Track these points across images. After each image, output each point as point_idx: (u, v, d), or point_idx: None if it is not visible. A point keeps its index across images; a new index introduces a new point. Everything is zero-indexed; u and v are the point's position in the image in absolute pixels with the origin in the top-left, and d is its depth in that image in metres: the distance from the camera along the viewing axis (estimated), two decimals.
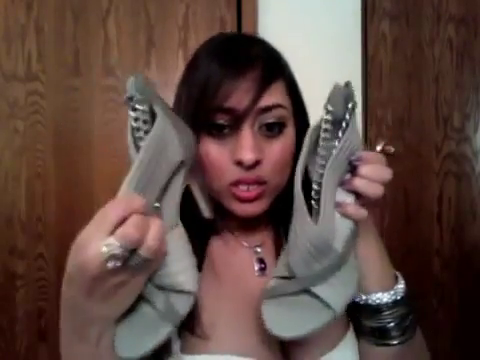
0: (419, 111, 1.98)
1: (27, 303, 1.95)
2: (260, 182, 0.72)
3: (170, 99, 2.09)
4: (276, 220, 0.82)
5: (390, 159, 1.97)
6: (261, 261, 0.78)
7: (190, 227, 0.68)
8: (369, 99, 1.97)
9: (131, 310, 0.64)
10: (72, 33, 1.95)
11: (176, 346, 0.70)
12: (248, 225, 0.80)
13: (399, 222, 1.99)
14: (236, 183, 0.72)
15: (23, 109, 1.94)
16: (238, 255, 0.79)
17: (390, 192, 1.98)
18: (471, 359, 1.99)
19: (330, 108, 0.69)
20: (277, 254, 0.76)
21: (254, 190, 0.72)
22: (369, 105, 1.97)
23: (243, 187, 0.71)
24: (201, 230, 0.76)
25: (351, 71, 1.97)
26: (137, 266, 0.57)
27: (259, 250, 0.80)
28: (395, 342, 0.73)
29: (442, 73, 1.97)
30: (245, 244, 0.80)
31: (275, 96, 0.73)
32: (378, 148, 1.96)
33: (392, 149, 1.96)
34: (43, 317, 1.96)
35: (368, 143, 1.98)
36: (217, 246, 0.80)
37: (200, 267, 0.74)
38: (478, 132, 1.99)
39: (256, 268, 0.77)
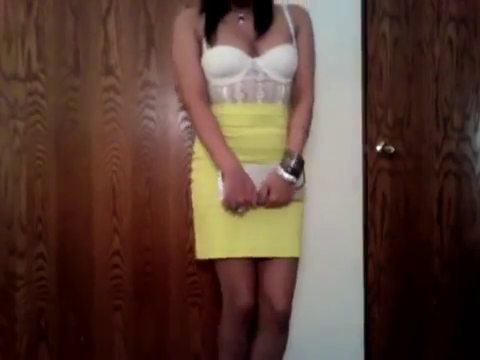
0: (419, 111, 1.98)
1: (27, 303, 1.95)
2: None
3: (170, 100, 2.10)
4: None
5: (390, 159, 1.98)
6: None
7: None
8: (369, 99, 1.97)
9: None
10: (72, 33, 1.95)
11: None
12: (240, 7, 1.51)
13: (399, 222, 1.99)
14: None
15: (23, 109, 1.94)
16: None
17: (390, 192, 1.98)
18: (471, 359, 1.99)
19: None
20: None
21: None
22: (369, 105, 1.97)
23: None
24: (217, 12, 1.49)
25: (351, 71, 1.97)
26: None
27: (242, 15, 1.51)
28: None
29: (442, 73, 1.97)
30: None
31: None
32: (378, 148, 1.96)
33: (392, 149, 1.96)
34: (43, 317, 1.96)
35: (368, 143, 1.98)
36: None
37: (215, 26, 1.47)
38: (478, 132, 1.99)
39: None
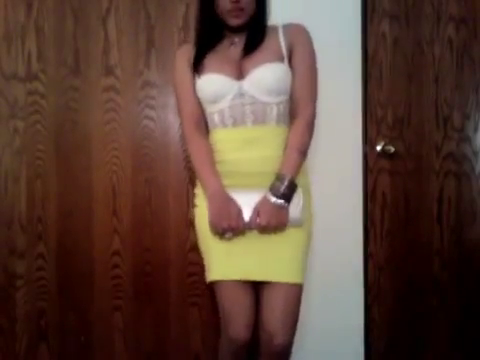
0: (419, 111, 1.98)
1: (27, 303, 1.96)
2: (241, 8, 1.42)
3: (170, 100, 2.10)
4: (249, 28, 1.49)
5: (390, 159, 1.97)
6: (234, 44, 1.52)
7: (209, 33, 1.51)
8: (369, 99, 1.97)
9: None
10: (72, 33, 1.95)
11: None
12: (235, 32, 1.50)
13: (399, 222, 1.99)
14: (231, 10, 1.42)
15: (23, 109, 1.94)
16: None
17: (390, 192, 1.98)
18: (471, 359, 1.99)
19: None
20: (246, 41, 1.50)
21: (239, 12, 1.43)
22: (369, 105, 1.97)
23: (235, 12, 1.42)
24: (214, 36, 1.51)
25: (351, 71, 1.97)
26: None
27: (236, 39, 1.51)
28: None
29: (442, 73, 1.97)
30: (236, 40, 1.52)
31: None
32: (378, 148, 1.96)
33: (392, 149, 1.96)
34: (43, 317, 1.96)
35: (368, 143, 1.98)
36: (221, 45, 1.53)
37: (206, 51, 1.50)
38: (478, 132, 1.99)
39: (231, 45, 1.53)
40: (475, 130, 1.98)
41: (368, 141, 1.98)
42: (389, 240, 1.98)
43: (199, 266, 1.94)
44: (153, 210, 1.96)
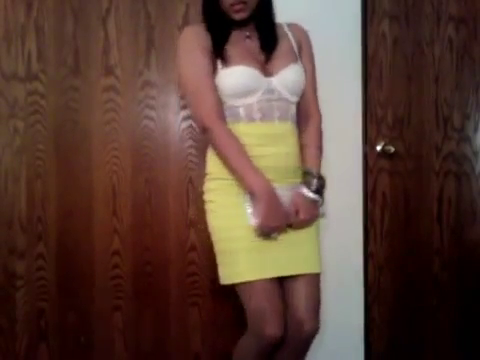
0: (419, 111, 1.98)
1: (27, 303, 1.95)
2: (244, 2, 1.41)
3: (170, 100, 2.10)
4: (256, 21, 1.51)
5: (390, 159, 1.97)
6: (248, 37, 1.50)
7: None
8: (369, 99, 1.97)
9: None
10: (72, 33, 1.95)
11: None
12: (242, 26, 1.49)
13: (399, 222, 1.99)
14: (233, 4, 1.41)
15: (23, 109, 1.94)
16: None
17: (390, 192, 1.99)
18: (471, 359, 1.99)
19: None
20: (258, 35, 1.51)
21: (241, 6, 1.42)
22: (369, 105, 1.97)
23: (237, 6, 1.41)
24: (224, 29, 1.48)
25: (351, 71, 1.97)
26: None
27: (248, 33, 1.50)
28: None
29: (442, 73, 1.98)
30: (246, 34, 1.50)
31: None
32: (378, 148, 1.97)
33: (392, 149, 1.96)
34: (43, 317, 1.96)
35: (368, 143, 1.98)
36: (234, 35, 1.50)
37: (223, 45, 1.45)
38: (478, 132, 1.99)
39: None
40: (475, 130, 1.98)
41: (368, 141, 1.98)
42: (389, 240, 1.99)
43: (199, 266, 1.95)
44: (153, 210, 1.96)
